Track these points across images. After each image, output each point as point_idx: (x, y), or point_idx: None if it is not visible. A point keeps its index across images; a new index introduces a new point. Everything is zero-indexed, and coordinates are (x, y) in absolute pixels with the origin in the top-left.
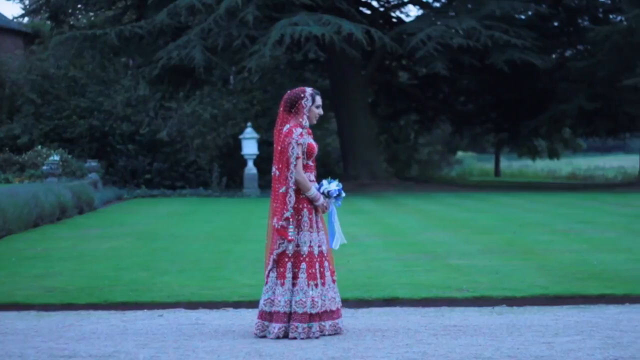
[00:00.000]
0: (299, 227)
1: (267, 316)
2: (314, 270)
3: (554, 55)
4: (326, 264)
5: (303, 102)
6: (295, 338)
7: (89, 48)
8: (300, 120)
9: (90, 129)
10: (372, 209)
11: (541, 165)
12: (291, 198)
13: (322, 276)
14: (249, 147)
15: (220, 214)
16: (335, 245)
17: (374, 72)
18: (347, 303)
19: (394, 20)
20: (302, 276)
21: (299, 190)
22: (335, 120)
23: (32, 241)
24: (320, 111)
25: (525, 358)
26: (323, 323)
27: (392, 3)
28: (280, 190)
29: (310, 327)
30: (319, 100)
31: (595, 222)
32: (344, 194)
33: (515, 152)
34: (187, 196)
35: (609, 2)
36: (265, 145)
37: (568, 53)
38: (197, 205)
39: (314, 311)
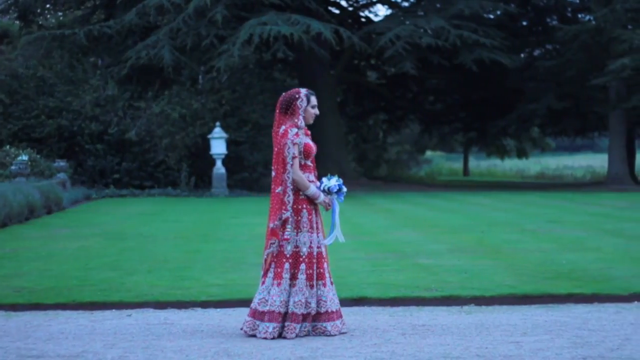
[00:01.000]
0: (298, 227)
1: (259, 315)
2: (311, 272)
3: (522, 55)
4: (325, 265)
5: (298, 102)
6: (292, 338)
7: (57, 48)
8: (296, 120)
9: (58, 128)
10: (341, 208)
11: (510, 165)
12: (289, 198)
13: (323, 277)
14: (218, 146)
15: (189, 213)
16: (329, 241)
17: (343, 71)
18: None
19: (363, 19)
20: (302, 277)
21: (298, 191)
22: None
23: (1, 241)
24: (316, 111)
25: (493, 357)
26: (324, 324)
27: (361, 3)
28: (277, 191)
29: (303, 328)
30: (314, 100)
31: (564, 221)
32: (345, 189)
33: (484, 152)
34: (156, 196)
35: (578, 1)
36: (233, 144)
37: (537, 52)
38: (165, 205)
39: (305, 311)
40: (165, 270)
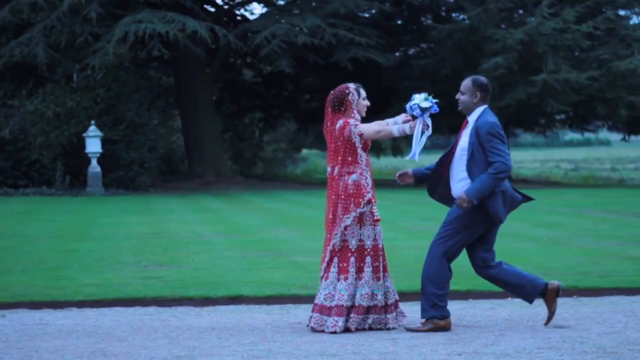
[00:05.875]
0: (361, 221)
1: (327, 310)
2: (378, 264)
3: (397, 54)
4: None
5: (349, 97)
6: (364, 329)
7: None
8: (352, 115)
9: None
10: (217, 207)
11: (385, 163)
12: (368, 180)
13: (387, 269)
14: (93, 145)
15: (64, 213)
16: (409, 157)
17: (219, 69)
18: (193, 301)
19: (239, 18)
20: (368, 270)
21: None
22: (179, 118)
23: None
24: (367, 102)
25: (370, 354)
26: (387, 316)
27: (237, 1)
28: (352, 178)
29: (367, 320)
30: (363, 92)
31: (439, 219)
32: (433, 107)
33: None
34: (30, 195)
35: (452, 0)
36: (109, 143)
37: (411, 51)
38: (40, 204)
39: (371, 304)
40: (40, 270)
